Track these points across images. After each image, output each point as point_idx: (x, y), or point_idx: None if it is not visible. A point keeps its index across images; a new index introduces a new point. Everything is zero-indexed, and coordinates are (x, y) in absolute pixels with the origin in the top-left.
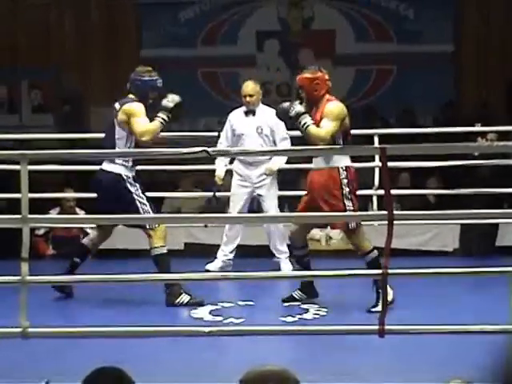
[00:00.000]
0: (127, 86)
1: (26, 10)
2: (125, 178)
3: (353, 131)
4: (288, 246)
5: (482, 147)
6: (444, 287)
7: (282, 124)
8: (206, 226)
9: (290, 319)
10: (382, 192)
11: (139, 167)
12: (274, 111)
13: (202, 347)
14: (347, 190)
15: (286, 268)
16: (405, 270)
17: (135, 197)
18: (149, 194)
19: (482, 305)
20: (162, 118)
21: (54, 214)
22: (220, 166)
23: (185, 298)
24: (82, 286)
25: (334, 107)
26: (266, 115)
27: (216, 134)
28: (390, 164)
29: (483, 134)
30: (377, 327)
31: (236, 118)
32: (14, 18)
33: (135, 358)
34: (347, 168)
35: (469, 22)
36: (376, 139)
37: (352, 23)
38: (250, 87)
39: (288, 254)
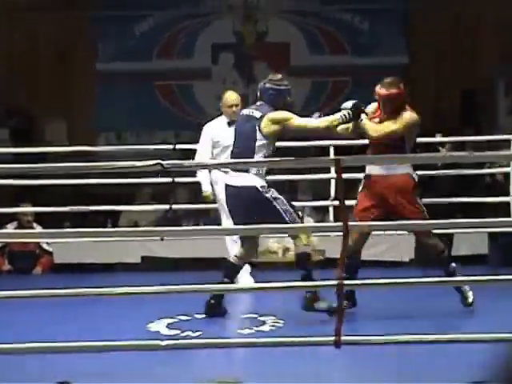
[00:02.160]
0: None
1: None
2: (261, 189)
3: (307, 143)
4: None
5: (436, 158)
6: (403, 298)
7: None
8: (162, 240)
9: (247, 331)
10: (337, 203)
11: (94, 181)
12: None
13: (160, 361)
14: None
15: (246, 281)
16: (359, 281)
17: (274, 203)
18: (104, 207)
19: (441, 314)
20: (343, 115)
21: (10, 228)
22: (205, 182)
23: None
24: (36, 302)
25: (406, 114)
26: None
27: (171, 146)
28: (345, 175)
29: (443, 144)
30: (333, 338)
31: (218, 130)
32: None
33: (89, 373)
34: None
35: (421, 33)
36: (332, 150)
37: (306, 36)
38: (235, 96)
39: (248, 268)
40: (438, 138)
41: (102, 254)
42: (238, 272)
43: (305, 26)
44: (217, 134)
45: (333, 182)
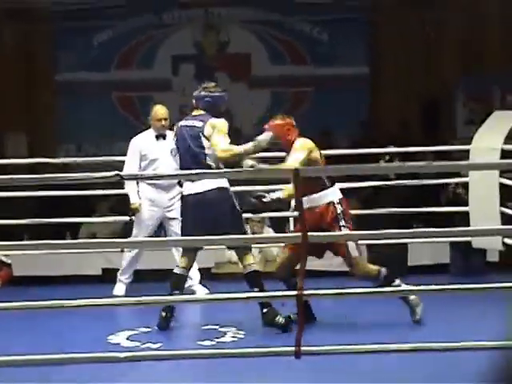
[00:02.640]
0: (193, 102)
1: None
2: (231, 193)
3: (269, 154)
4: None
5: (391, 168)
6: (355, 307)
7: None
8: (122, 251)
9: (207, 343)
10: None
11: (54, 192)
12: None
13: (120, 374)
14: (343, 222)
15: (200, 292)
16: (318, 291)
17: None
18: (64, 219)
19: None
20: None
21: None
22: (133, 193)
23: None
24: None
25: (298, 143)
26: None
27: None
28: None
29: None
30: (293, 348)
31: (145, 143)
32: None
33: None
34: (340, 200)
35: (383, 43)
36: None
37: (267, 46)
38: (164, 110)
39: (199, 279)
40: (389, 149)
41: (62, 266)
42: (185, 281)
43: (265, 36)
44: (145, 148)
45: None
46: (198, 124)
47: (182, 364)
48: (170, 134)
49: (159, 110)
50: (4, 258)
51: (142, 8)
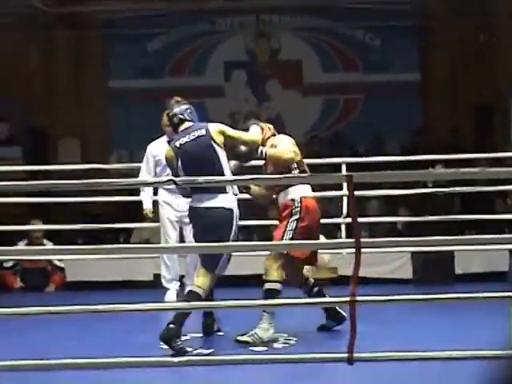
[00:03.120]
0: (178, 119)
1: None
2: (235, 215)
3: (321, 160)
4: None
5: (445, 174)
6: (411, 315)
7: None
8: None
9: (259, 349)
10: (350, 220)
11: (106, 198)
12: None
13: (172, 378)
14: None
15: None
16: (372, 298)
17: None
18: (116, 225)
19: (451, 331)
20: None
21: (21, 245)
22: (147, 200)
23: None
24: (50, 319)
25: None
26: None
27: None
28: (357, 192)
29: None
30: (346, 355)
31: (159, 149)
32: None
33: None
34: (301, 199)
35: (435, 50)
36: (344, 168)
37: (319, 53)
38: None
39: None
40: (442, 156)
41: (114, 271)
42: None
43: (317, 43)
44: (158, 153)
45: (345, 198)
46: (201, 132)
47: (234, 369)
48: None
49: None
50: (58, 263)
51: (194, 15)
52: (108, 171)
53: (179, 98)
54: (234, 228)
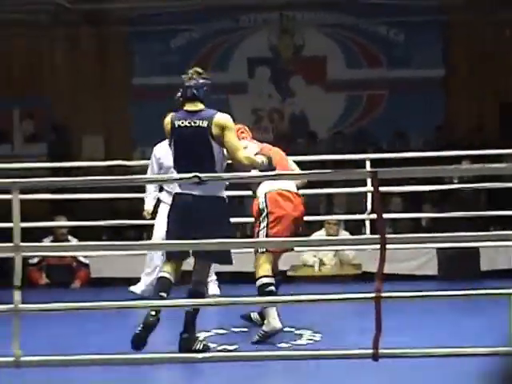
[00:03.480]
0: (191, 94)
1: (19, 41)
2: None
3: (344, 156)
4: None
5: (471, 170)
6: (436, 312)
7: None
8: None
9: (283, 345)
10: (374, 216)
11: (130, 195)
12: None
13: (196, 374)
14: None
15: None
16: (398, 294)
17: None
18: (142, 221)
19: (477, 328)
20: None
21: (46, 242)
22: (149, 201)
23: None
24: (76, 314)
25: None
26: None
27: None
28: (381, 188)
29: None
30: (371, 351)
31: (162, 151)
32: (7, 48)
33: None
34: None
35: (458, 46)
36: (368, 164)
37: (342, 49)
38: None
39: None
40: (466, 152)
41: (138, 268)
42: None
43: (341, 39)
44: (161, 155)
45: (369, 195)
46: (203, 124)
47: (258, 366)
48: None
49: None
50: (83, 259)
51: (218, 11)
52: (131, 168)
53: (201, 70)
54: (228, 219)
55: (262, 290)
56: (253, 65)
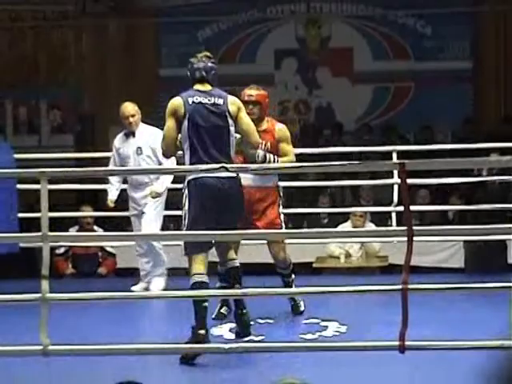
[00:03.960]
0: (200, 75)
1: (46, 31)
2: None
3: (371, 148)
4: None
5: (498, 162)
6: (462, 305)
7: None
8: None
9: (309, 336)
10: (401, 209)
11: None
12: (155, 130)
13: (222, 365)
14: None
15: (156, 287)
16: (425, 286)
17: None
18: (168, 212)
19: (503, 321)
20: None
21: (72, 232)
22: (112, 190)
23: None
24: (102, 304)
25: (286, 131)
26: (146, 135)
27: None
28: (408, 181)
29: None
30: (397, 343)
31: (118, 141)
32: (34, 38)
33: (154, 375)
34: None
35: (487, 38)
36: (395, 156)
37: (369, 41)
38: (131, 107)
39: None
40: (494, 144)
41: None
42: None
43: (368, 30)
44: (118, 145)
45: (395, 187)
46: (219, 101)
47: (284, 357)
48: (141, 131)
49: (126, 108)
50: (109, 249)
51: (245, 3)
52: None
53: (209, 54)
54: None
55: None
56: (280, 56)
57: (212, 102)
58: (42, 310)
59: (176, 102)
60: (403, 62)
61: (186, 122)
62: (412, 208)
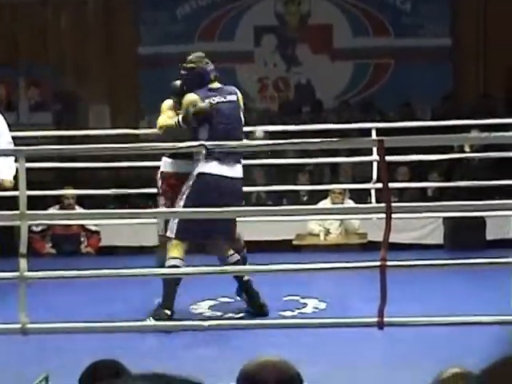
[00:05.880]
0: (214, 76)
1: (24, 8)
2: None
3: (350, 125)
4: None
5: (477, 138)
6: (440, 281)
7: (6, 128)
8: None
9: (288, 313)
10: (380, 186)
11: (137, 163)
12: None
13: (202, 342)
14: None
15: None
16: (403, 262)
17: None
18: (148, 190)
19: (481, 297)
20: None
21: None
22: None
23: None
24: (82, 283)
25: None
26: None
27: None
28: (387, 158)
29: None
30: (376, 319)
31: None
32: (12, 16)
33: (133, 352)
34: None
35: (466, 14)
36: (374, 133)
37: (349, 18)
38: None
39: None
40: (474, 121)
41: (144, 236)
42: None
43: (348, 7)
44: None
45: (375, 164)
46: (233, 98)
47: (263, 334)
48: None
49: None
50: (92, 227)
51: None
52: (138, 137)
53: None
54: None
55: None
56: (259, 33)
57: (227, 99)
58: (20, 288)
59: (191, 100)
60: (383, 39)
61: (208, 124)
62: (391, 185)
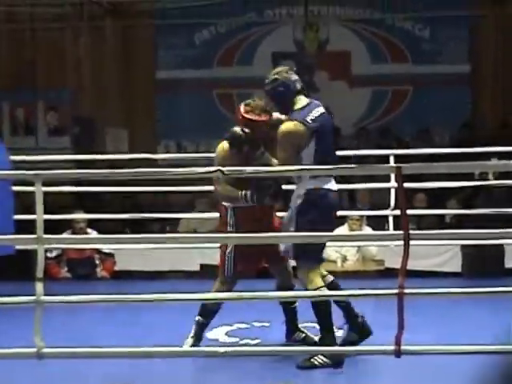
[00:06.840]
0: (299, 86)
1: (44, 34)
2: None
3: (369, 151)
4: None
5: (497, 166)
6: (459, 308)
7: None
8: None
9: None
10: (398, 212)
11: (155, 188)
12: None
13: (217, 368)
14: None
15: None
16: (421, 290)
17: None
18: (165, 215)
19: (500, 325)
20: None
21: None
22: None
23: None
24: (97, 307)
25: None
26: None
27: None
28: (405, 184)
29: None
30: (393, 347)
31: None
32: (32, 40)
33: (149, 378)
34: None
35: (485, 41)
36: (392, 159)
37: (367, 44)
38: None
39: None
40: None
41: (161, 261)
42: None
43: (366, 34)
44: None
45: (392, 191)
46: (322, 110)
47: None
48: None
49: None
50: (106, 250)
51: (243, 5)
52: (156, 161)
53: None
54: None
55: None
56: (277, 59)
57: (320, 112)
58: (36, 312)
59: (297, 130)
60: (401, 66)
61: (311, 142)
62: (409, 212)
